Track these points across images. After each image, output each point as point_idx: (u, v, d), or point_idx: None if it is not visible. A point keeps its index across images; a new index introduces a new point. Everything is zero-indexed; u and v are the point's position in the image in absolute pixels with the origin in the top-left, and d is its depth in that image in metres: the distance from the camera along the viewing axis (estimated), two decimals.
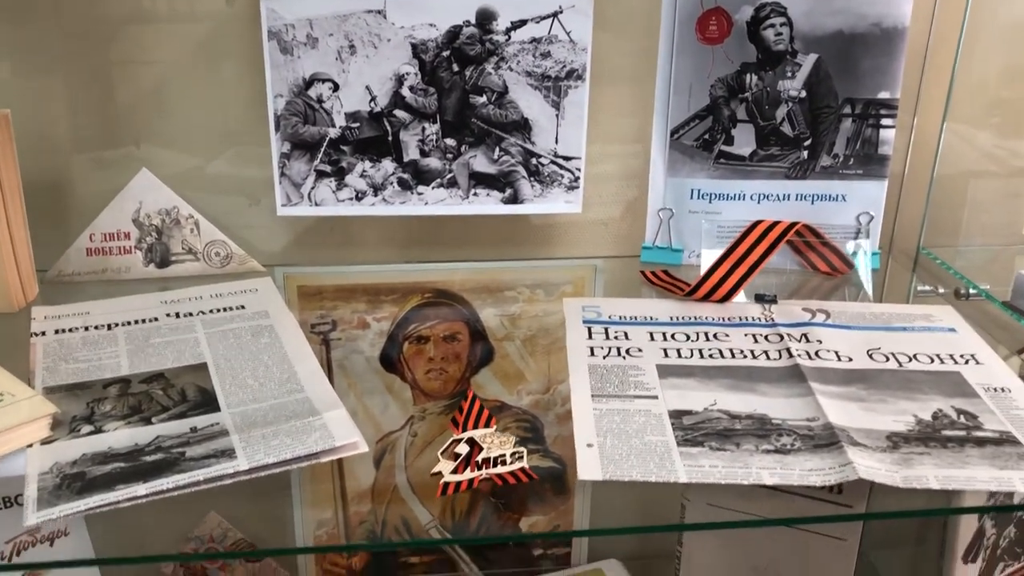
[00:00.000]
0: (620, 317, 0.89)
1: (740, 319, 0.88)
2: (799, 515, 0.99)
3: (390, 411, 1.06)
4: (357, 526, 1.11)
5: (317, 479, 1.08)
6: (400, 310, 1.02)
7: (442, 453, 0.72)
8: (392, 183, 0.97)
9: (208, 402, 0.73)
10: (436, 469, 0.70)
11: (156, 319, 0.86)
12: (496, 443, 0.69)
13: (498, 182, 0.98)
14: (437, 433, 1.08)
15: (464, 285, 1.02)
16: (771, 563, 1.02)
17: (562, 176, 0.98)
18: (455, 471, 0.68)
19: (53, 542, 0.98)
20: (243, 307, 0.89)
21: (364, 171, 0.96)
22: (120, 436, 0.68)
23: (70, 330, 0.83)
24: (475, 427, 0.72)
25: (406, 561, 1.13)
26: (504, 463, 0.69)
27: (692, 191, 0.98)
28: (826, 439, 0.70)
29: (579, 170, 0.97)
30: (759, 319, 0.88)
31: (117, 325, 0.85)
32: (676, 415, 0.73)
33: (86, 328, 0.84)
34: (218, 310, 0.88)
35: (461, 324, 1.03)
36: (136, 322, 0.85)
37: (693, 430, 0.71)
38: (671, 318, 0.88)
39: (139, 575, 1.07)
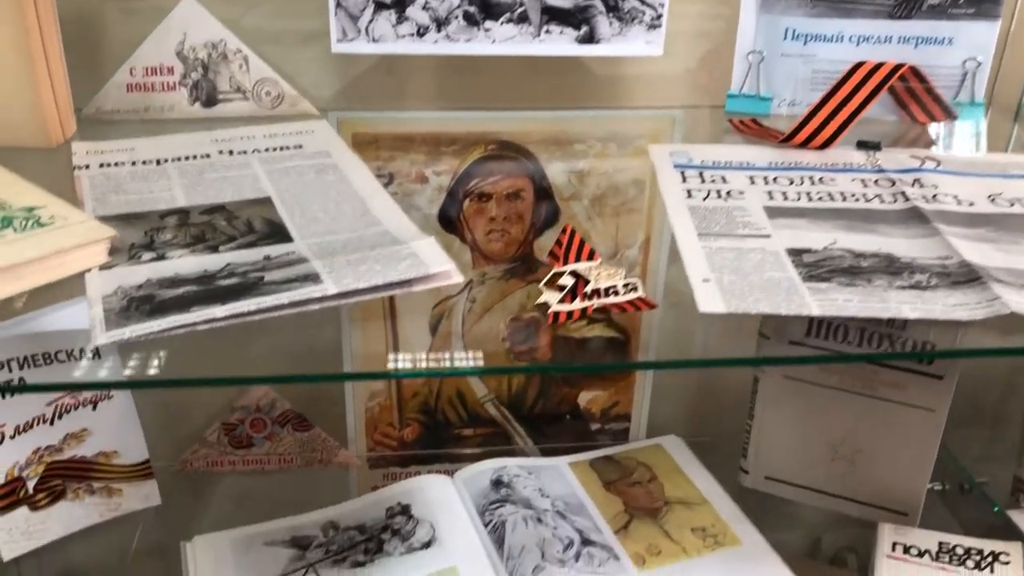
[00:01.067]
0: (713, 162, 0.81)
1: (844, 165, 0.80)
2: (881, 387, 0.94)
3: None
4: (410, 398, 1.06)
5: (370, 346, 1.02)
6: (461, 163, 0.94)
7: (545, 284, 0.65)
8: (457, 17, 0.88)
9: (278, 232, 0.66)
10: (541, 300, 0.63)
11: (208, 155, 0.79)
12: (604, 275, 0.63)
13: (573, 18, 0.89)
14: (497, 299, 1.02)
15: (530, 136, 0.94)
16: (849, 437, 0.97)
17: (643, 13, 0.89)
18: (562, 302, 0.62)
19: (96, 406, 0.92)
20: (301, 147, 0.82)
21: (427, 3, 0.88)
22: (186, 263, 0.61)
23: (116, 164, 0.76)
24: (577, 261, 0.65)
25: (459, 433, 1.08)
26: (617, 293, 0.62)
27: (786, 31, 0.89)
28: (965, 276, 0.64)
29: (662, 5, 0.89)
30: (865, 166, 0.81)
31: (166, 161, 0.77)
32: (794, 253, 0.66)
33: (133, 163, 0.76)
34: (274, 149, 0.81)
35: (526, 180, 0.96)
36: (187, 158, 0.78)
37: (816, 267, 0.64)
38: (769, 163, 0.81)
39: (184, 442, 1.02)
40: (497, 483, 1.01)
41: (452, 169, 0.94)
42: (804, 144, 0.84)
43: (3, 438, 0.89)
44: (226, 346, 0.62)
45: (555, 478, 1.03)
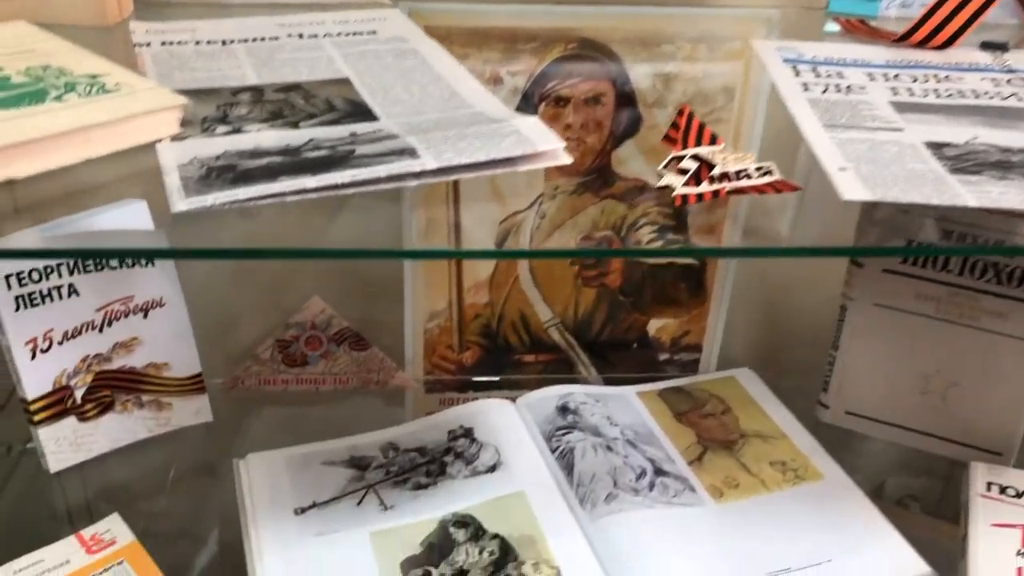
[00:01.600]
0: (825, 58, 0.74)
1: (969, 65, 0.73)
2: (982, 316, 0.87)
3: (517, 187, 0.93)
4: (471, 320, 1.00)
5: (432, 263, 0.96)
6: (539, 63, 0.88)
7: (663, 167, 0.59)
8: None
9: (362, 112, 0.60)
10: (662, 183, 0.57)
11: (276, 38, 0.72)
12: (731, 159, 0.56)
13: None
14: (568, 215, 0.96)
15: (614, 35, 0.87)
16: (942, 370, 0.91)
17: None
18: (687, 184, 0.56)
19: (147, 314, 0.87)
20: (375, 32, 0.75)
21: None
22: (266, 136, 0.55)
23: (178, 43, 0.70)
24: (697, 145, 0.59)
25: (520, 359, 1.02)
26: (749, 177, 0.56)
27: None
28: None
29: None
30: (992, 66, 0.74)
31: (232, 41, 0.71)
32: (934, 147, 0.60)
33: (196, 43, 0.70)
34: (346, 34, 0.75)
35: (607, 84, 0.89)
36: (254, 40, 0.72)
37: (960, 160, 0.58)
38: (887, 62, 0.74)
39: (236, 360, 0.97)
40: (563, 409, 0.95)
41: (529, 69, 0.88)
42: (922, 44, 0.76)
43: (51, 344, 0.84)
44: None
45: (623, 407, 0.98)
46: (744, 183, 0.55)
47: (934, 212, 0.75)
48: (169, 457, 0.92)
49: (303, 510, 0.83)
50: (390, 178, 0.50)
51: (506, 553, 0.79)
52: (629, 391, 1.00)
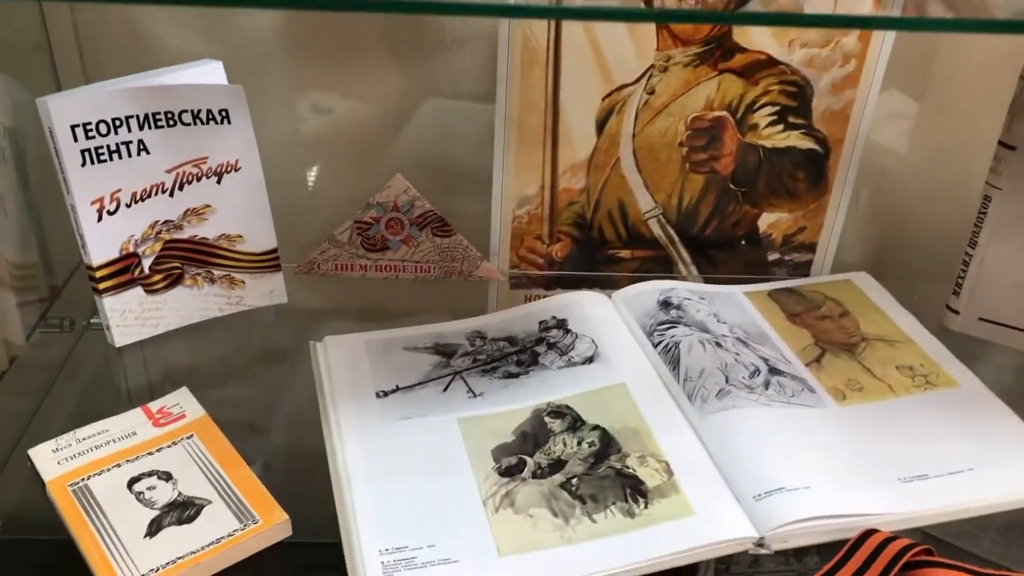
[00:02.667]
0: None
1: None
2: None
3: (624, 56, 0.85)
4: (564, 207, 0.92)
5: (526, 142, 0.88)
6: None
7: None
8: None
9: None
10: None
11: None
12: None
13: None
14: (680, 91, 0.87)
15: None
16: None
17: None
18: None
19: (221, 179, 0.81)
20: None
21: None
22: None
23: None
24: None
25: (615, 255, 0.94)
26: None
27: None
28: None
29: None
30: None
31: None
32: None
33: None
34: None
35: None
36: None
37: None
38: None
39: (313, 244, 0.90)
40: (665, 304, 0.87)
41: None
42: None
43: (118, 206, 0.78)
44: None
45: (731, 306, 0.89)
46: None
47: None
48: (241, 340, 0.86)
49: (385, 394, 0.77)
50: None
51: (608, 445, 0.72)
52: (736, 290, 0.92)
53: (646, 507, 0.66)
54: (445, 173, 0.94)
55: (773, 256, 0.95)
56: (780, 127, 0.88)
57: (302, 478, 0.71)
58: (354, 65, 0.91)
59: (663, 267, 0.95)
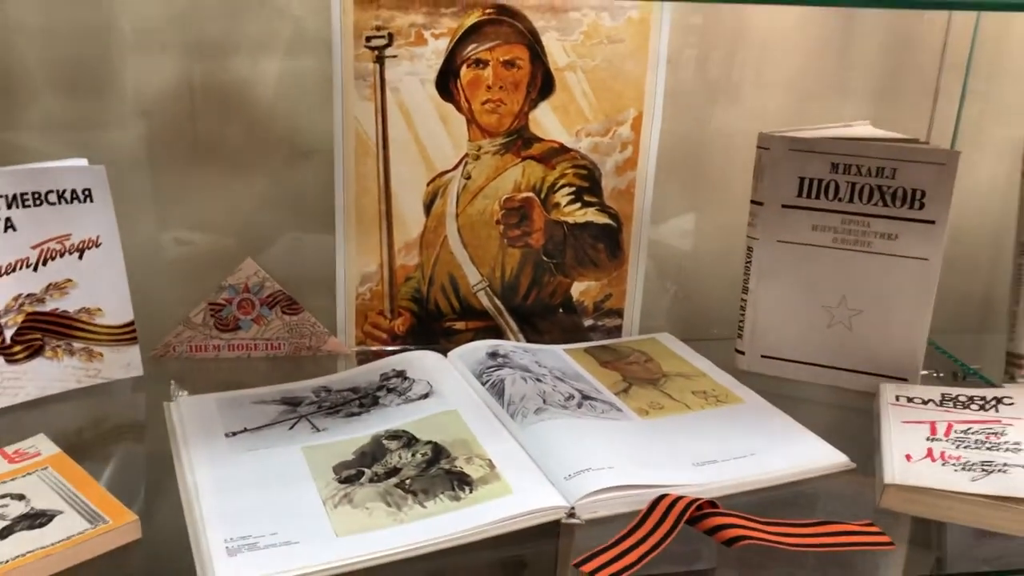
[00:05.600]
0: None
1: None
2: (874, 240, 0.95)
3: (441, 146, 1.00)
4: (403, 283, 1.04)
5: (364, 224, 1.01)
6: (459, 26, 0.97)
7: None
8: None
9: None
10: None
11: None
12: None
13: None
14: (492, 176, 1.03)
15: (527, 1, 0.97)
16: (845, 299, 0.97)
17: None
18: None
19: (83, 254, 0.90)
20: None
21: None
22: None
23: None
24: None
25: (451, 327, 1.06)
26: None
27: None
28: None
29: None
30: None
31: None
32: None
33: None
34: None
35: (521, 48, 0.99)
36: None
37: None
38: None
39: (170, 324, 0.98)
40: (493, 354, 0.99)
41: (450, 32, 0.97)
42: None
43: None
44: None
45: (552, 357, 1.01)
46: None
47: None
48: (99, 409, 0.91)
49: (234, 434, 0.84)
50: None
51: (439, 454, 0.80)
52: (557, 347, 1.04)
53: (471, 492, 0.74)
54: (292, 254, 1.05)
55: (588, 322, 1.09)
56: (578, 205, 1.04)
57: (154, 503, 0.76)
58: (211, 177, 1.03)
59: (494, 336, 1.07)
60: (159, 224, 1.04)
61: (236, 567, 0.65)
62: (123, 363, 0.93)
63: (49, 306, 0.89)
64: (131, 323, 0.93)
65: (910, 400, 0.91)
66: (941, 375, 1.04)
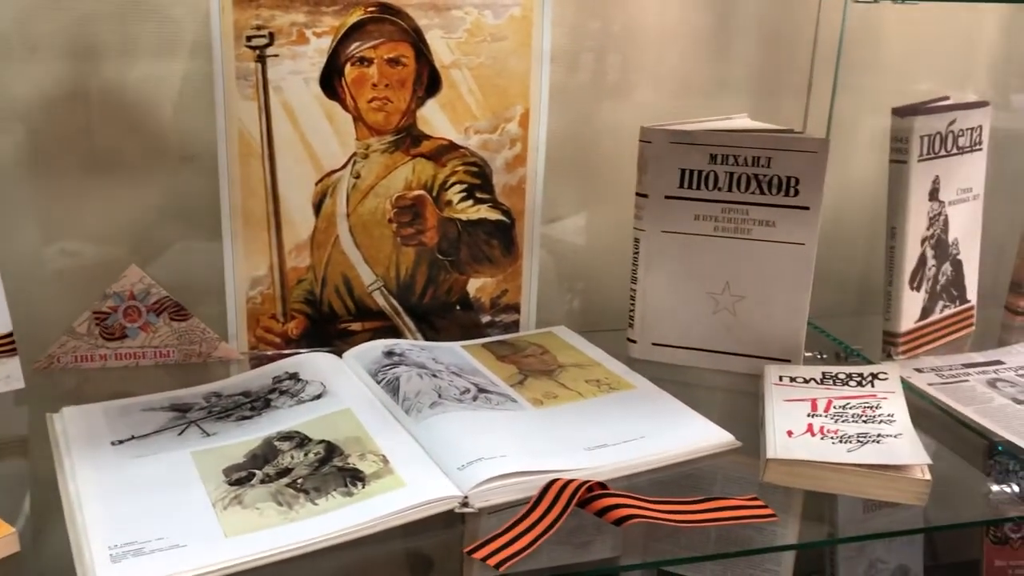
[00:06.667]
0: None
1: None
2: (753, 228, 0.98)
3: (328, 145, 1.00)
4: (295, 286, 1.03)
5: (251, 226, 1.00)
6: (342, 24, 0.97)
7: None
8: None
9: None
10: None
11: None
12: None
13: None
14: (382, 174, 1.03)
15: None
16: (729, 285, 1.01)
17: None
18: None
19: None
20: None
21: None
22: None
23: None
24: None
25: (346, 328, 1.06)
26: None
27: None
28: None
29: None
30: None
31: None
32: None
33: None
34: None
35: (406, 46, 0.99)
36: None
37: None
38: None
39: (56, 336, 0.95)
40: (389, 353, 0.99)
41: (333, 30, 0.96)
42: None
43: None
44: None
45: (449, 353, 1.02)
46: None
47: None
48: None
49: (121, 442, 0.82)
50: None
51: (332, 452, 0.80)
52: (454, 344, 1.05)
53: (363, 488, 0.74)
54: (179, 259, 1.03)
55: (485, 319, 1.09)
56: (471, 202, 1.05)
57: (37, 516, 0.73)
58: (96, 185, 1.01)
59: (392, 335, 1.06)
60: (44, 234, 1.01)
61: (120, 573, 0.63)
62: (2, 375, 0.90)
63: None
64: (10, 334, 0.90)
65: (792, 380, 0.95)
66: (824, 356, 1.08)
